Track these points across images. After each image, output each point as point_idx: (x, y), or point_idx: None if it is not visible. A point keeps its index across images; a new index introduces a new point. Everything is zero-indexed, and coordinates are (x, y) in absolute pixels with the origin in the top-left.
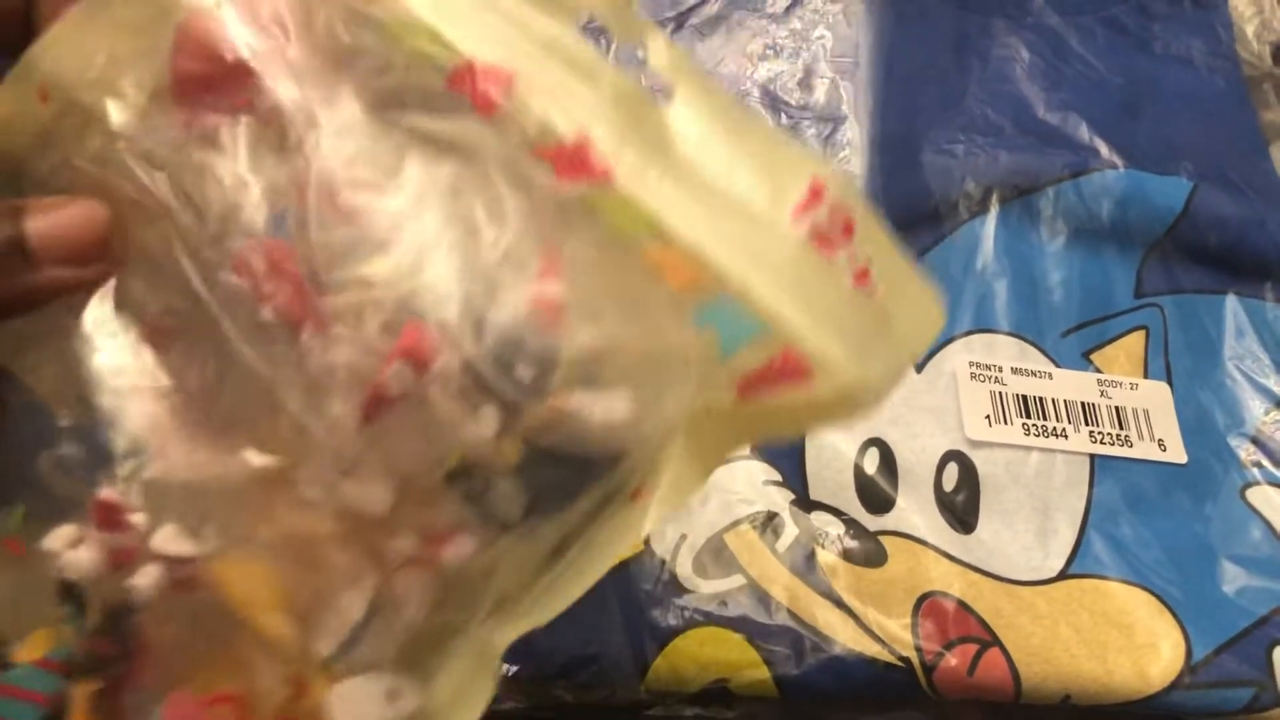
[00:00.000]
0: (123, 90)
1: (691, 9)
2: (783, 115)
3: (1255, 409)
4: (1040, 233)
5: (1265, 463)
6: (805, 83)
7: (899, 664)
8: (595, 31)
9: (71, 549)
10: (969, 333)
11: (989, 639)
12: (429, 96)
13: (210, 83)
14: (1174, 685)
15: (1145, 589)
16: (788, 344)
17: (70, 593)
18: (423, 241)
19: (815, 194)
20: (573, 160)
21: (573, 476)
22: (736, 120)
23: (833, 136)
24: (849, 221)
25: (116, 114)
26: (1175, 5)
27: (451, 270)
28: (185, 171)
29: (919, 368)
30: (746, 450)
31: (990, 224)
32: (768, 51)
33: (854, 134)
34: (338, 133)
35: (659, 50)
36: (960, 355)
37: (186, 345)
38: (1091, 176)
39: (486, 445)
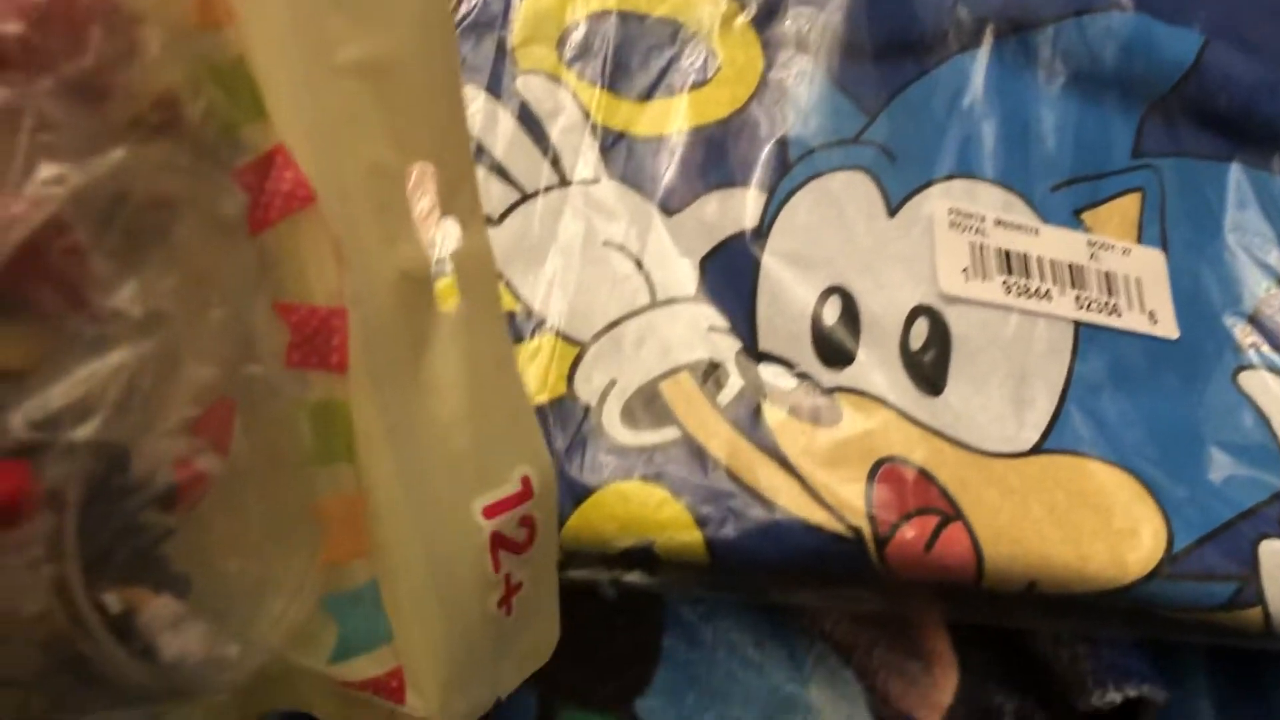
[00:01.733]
0: None
1: None
2: None
3: (1255, 286)
4: (1036, 74)
5: (1262, 345)
6: None
7: (848, 534)
8: None
9: None
10: (949, 177)
11: (951, 512)
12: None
13: None
14: (1152, 575)
15: (1127, 470)
16: (401, 664)
17: None
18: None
19: (521, 496)
20: (313, 340)
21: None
22: (498, 364)
23: None
24: (532, 534)
25: None
26: None
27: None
28: None
29: (892, 211)
30: (691, 290)
31: (982, 59)
32: None
33: None
34: None
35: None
36: (939, 200)
37: None
38: (1097, 16)
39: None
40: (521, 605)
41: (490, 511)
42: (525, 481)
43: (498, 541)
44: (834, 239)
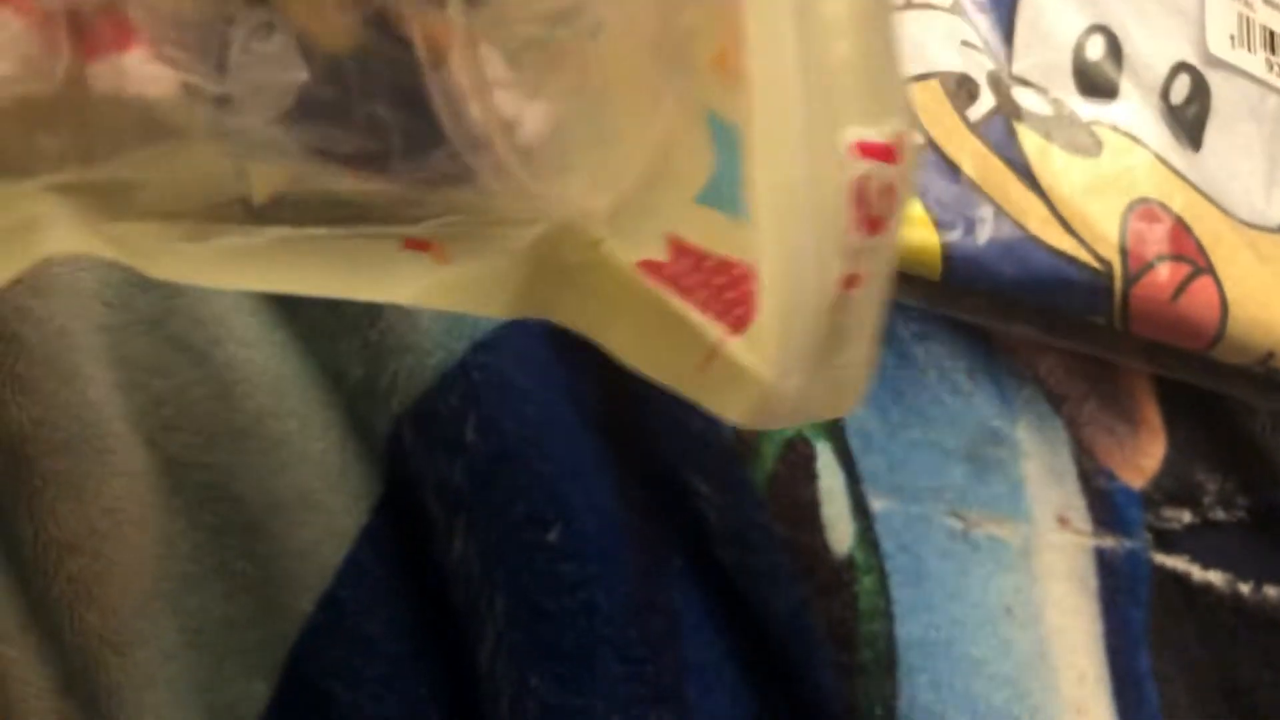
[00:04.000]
0: None
1: None
2: None
3: None
4: None
5: None
6: None
7: (1098, 266)
8: None
9: None
10: None
11: (1204, 265)
12: None
13: None
14: None
15: None
16: (751, 262)
17: None
18: None
19: (891, 152)
20: None
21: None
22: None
23: None
24: (887, 216)
25: None
26: None
27: None
28: None
29: None
30: (948, 4)
31: None
32: None
33: None
34: None
35: None
36: None
37: None
38: None
39: None
40: (853, 309)
41: (863, 150)
42: (899, 139)
43: (860, 195)
44: None
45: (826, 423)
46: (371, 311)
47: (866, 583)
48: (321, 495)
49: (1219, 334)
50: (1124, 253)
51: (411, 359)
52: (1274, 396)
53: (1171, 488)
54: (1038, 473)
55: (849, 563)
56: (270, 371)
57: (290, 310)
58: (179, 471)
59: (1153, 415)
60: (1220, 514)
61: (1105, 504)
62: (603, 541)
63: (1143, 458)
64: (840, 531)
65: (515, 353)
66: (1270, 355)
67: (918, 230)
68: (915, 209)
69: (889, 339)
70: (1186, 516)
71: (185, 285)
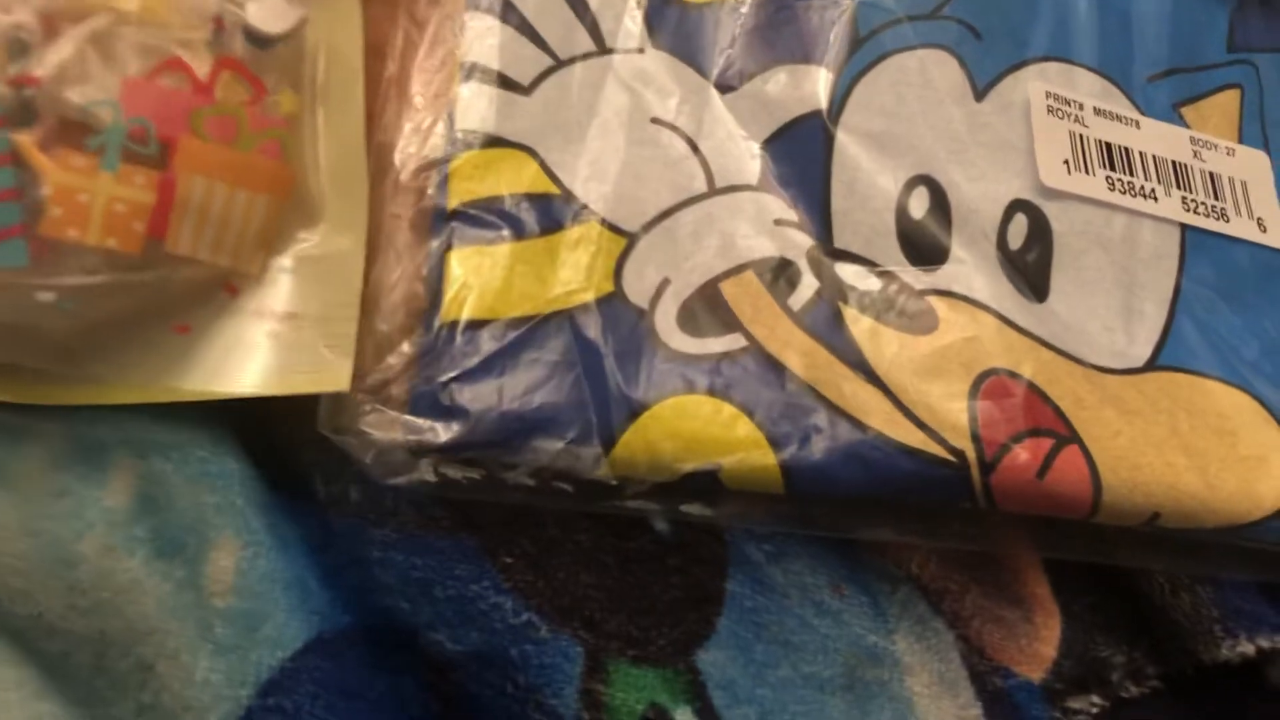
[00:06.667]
0: None
1: None
2: None
3: None
4: None
5: None
6: None
7: (949, 458)
8: None
9: None
10: (1044, 58)
11: (1066, 434)
12: None
13: None
14: None
15: (1245, 391)
16: None
17: None
18: None
19: None
20: None
21: None
22: None
23: None
24: None
25: None
26: None
27: None
28: None
29: (980, 94)
30: (754, 178)
31: None
32: None
33: None
34: None
35: None
36: (1035, 83)
37: None
38: None
39: None
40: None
41: None
42: None
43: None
44: (916, 122)
45: (683, 683)
46: (142, 670)
47: None
48: None
49: (1095, 505)
50: (976, 439)
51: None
52: (1163, 559)
53: (1074, 672)
54: (925, 688)
55: None
56: None
57: (60, 678)
58: None
59: (1043, 591)
60: (1132, 689)
61: (1005, 706)
62: None
63: (1038, 644)
64: None
65: (314, 683)
66: (1156, 515)
67: (751, 451)
68: (745, 427)
69: (739, 565)
70: (1096, 700)
71: None
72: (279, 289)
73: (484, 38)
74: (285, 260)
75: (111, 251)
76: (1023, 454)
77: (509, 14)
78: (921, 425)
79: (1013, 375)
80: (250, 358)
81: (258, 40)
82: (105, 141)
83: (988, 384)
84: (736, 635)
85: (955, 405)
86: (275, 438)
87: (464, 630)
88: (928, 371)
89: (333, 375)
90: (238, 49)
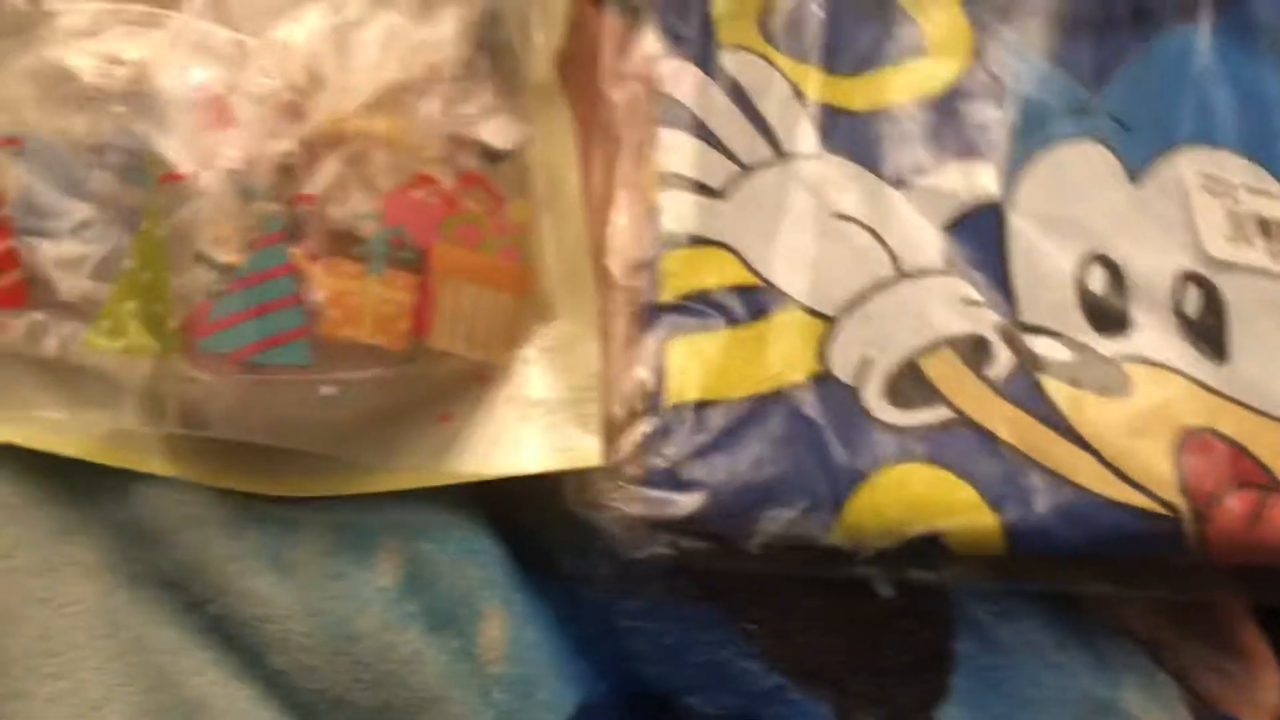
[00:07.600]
0: None
1: None
2: None
3: None
4: (1259, 40)
5: None
6: None
7: (1163, 511)
8: None
9: None
10: (1191, 142)
11: (1270, 483)
12: None
13: None
14: None
15: None
16: None
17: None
18: None
19: None
20: None
21: None
22: None
23: None
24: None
25: None
26: None
27: None
28: None
29: (1134, 177)
30: (939, 262)
31: (1205, 28)
32: None
33: None
34: None
35: None
36: (1187, 166)
37: None
38: None
39: None
40: None
41: None
42: None
43: None
44: (1082, 205)
45: None
46: None
47: None
48: None
49: None
50: (1185, 493)
51: None
52: None
53: None
54: None
55: None
56: None
57: None
58: None
59: (1256, 641)
60: None
61: None
62: None
63: (1260, 692)
64: None
65: None
66: None
67: (973, 514)
68: (965, 491)
69: (966, 626)
70: None
71: None
72: (526, 378)
73: (678, 150)
74: (529, 352)
75: (381, 348)
76: (1233, 505)
77: (698, 128)
78: (1132, 483)
79: (1212, 432)
80: (509, 441)
81: (490, 156)
82: (371, 249)
83: (1190, 441)
84: (972, 693)
85: (1162, 462)
86: (518, 519)
87: (718, 694)
88: (1131, 432)
89: (584, 452)
90: (473, 165)
